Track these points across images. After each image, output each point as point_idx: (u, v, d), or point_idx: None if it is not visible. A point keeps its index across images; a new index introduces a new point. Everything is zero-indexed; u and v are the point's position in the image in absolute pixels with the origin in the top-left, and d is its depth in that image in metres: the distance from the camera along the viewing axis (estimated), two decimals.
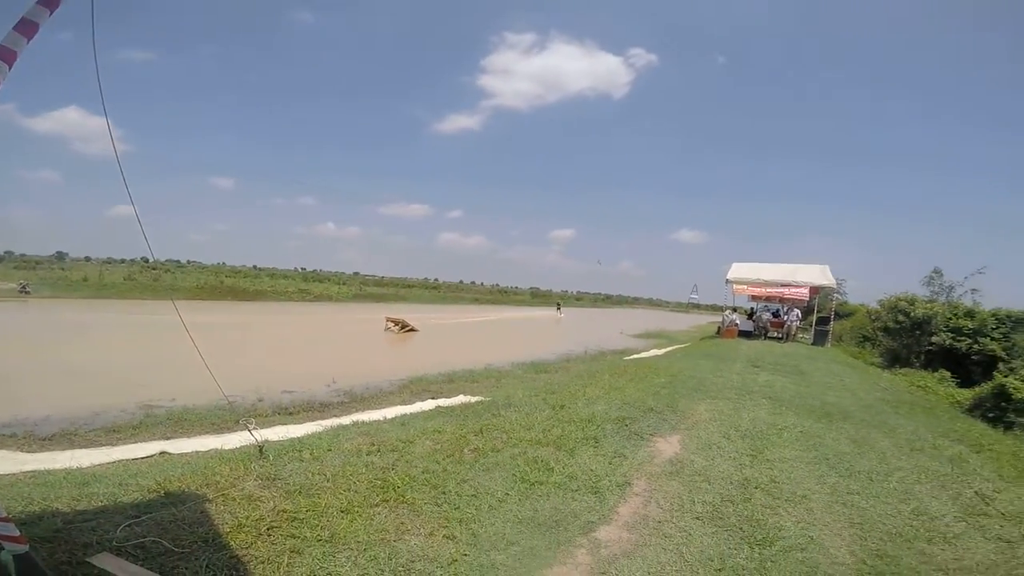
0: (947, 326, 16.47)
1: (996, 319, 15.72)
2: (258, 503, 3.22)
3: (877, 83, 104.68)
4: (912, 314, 17.88)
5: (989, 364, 14.45)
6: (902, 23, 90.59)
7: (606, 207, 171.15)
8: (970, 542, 3.55)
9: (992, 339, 15.20)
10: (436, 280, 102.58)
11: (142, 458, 5.06)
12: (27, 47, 1.96)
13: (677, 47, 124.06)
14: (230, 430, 6.29)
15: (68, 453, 5.25)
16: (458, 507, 3.41)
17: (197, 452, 5.11)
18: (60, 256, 54.48)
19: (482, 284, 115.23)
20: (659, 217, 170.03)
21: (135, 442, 6.11)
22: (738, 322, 24.96)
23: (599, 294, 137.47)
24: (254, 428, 4.47)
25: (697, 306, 64.84)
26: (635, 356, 16.56)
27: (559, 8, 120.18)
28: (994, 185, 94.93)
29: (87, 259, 60.82)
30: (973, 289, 19.62)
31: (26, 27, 1.95)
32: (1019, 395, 9.61)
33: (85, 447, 5.84)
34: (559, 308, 52.65)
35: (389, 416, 6.53)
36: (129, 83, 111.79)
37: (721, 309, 28.35)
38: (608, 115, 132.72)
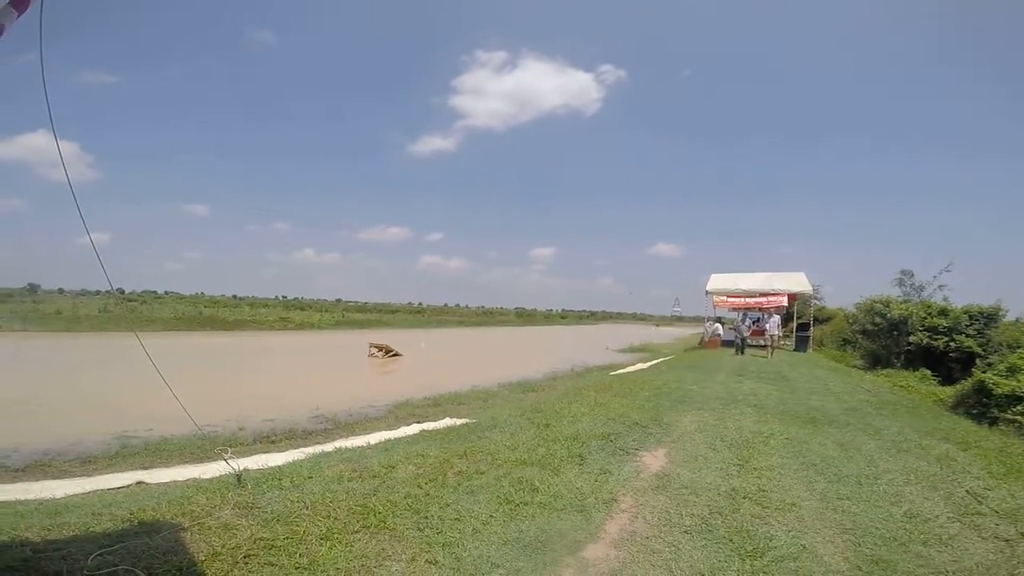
0: (923, 325, 16.74)
1: (969, 316, 16.04)
2: (235, 531, 3.11)
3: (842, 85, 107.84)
4: (888, 315, 18.15)
5: (967, 360, 14.69)
6: (862, 29, 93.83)
7: (584, 224, 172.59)
8: (967, 543, 3.51)
9: (967, 336, 15.50)
10: (420, 304, 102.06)
11: (118, 488, 4.99)
12: None
13: (645, 61, 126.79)
14: (209, 459, 6.16)
15: (40, 484, 5.17)
16: (441, 531, 3.30)
17: (175, 482, 5.03)
18: (32, 288, 52.48)
19: (467, 306, 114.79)
20: (636, 232, 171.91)
21: (111, 472, 6.04)
22: (720, 333, 25.13)
23: (584, 311, 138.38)
24: (230, 457, 4.34)
25: (680, 318, 65.30)
26: (620, 371, 16.53)
27: (529, 24, 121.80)
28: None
29: (60, 291, 58.84)
30: (941, 286, 20.09)
31: None
32: (999, 390, 9.71)
33: (59, 478, 5.76)
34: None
35: (373, 442, 6.37)
36: (99, 107, 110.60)
37: (703, 320, 28.58)
38: (582, 132, 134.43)
